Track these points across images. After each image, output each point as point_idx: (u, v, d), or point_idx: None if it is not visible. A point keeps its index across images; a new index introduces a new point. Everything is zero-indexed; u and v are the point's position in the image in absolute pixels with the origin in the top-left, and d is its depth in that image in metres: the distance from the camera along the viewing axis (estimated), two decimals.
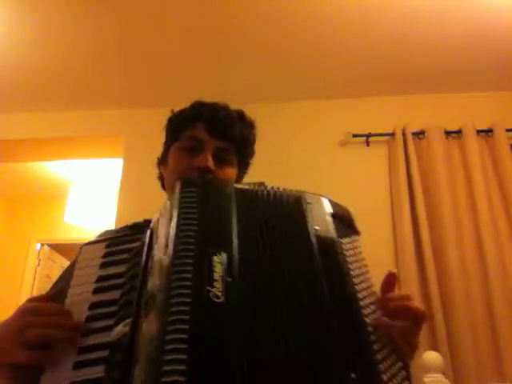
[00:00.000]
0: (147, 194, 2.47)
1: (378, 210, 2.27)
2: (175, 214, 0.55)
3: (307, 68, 2.35)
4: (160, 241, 0.57)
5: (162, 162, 0.97)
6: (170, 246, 0.51)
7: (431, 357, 1.62)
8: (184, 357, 0.42)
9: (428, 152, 2.32)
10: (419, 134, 2.37)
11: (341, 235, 0.62)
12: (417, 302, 2.08)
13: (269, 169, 2.47)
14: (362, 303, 0.57)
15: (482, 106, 2.44)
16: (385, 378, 0.51)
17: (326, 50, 2.22)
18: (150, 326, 0.48)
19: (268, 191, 0.64)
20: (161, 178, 0.98)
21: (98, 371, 0.51)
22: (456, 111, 2.44)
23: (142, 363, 0.46)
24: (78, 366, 0.53)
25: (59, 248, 4.14)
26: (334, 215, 0.64)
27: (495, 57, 2.24)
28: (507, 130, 2.31)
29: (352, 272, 0.59)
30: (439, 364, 1.59)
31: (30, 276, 3.84)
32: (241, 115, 0.95)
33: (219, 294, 0.47)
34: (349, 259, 0.60)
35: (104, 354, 0.53)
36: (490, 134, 2.34)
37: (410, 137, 2.34)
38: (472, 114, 2.40)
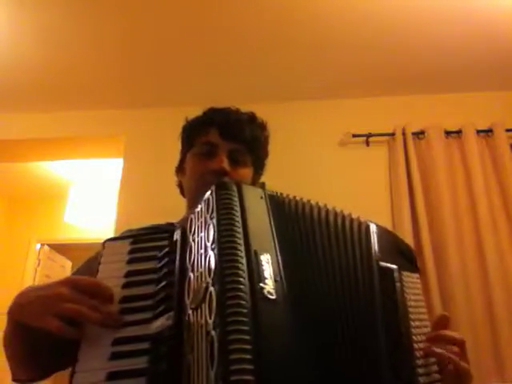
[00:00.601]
0: (147, 194, 2.49)
1: (378, 210, 2.27)
2: (215, 214, 0.56)
3: (307, 68, 2.35)
4: (200, 239, 0.57)
5: (180, 169, 1.01)
6: (216, 243, 0.52)
7: None
8: (249, 347, 0.43)
9: (428, 152, 2.32)
10: (419, 134, 2.38)
11: (401, 268, 0.63)
12: None
13: (268, 169, 2.47)
14: (413, 330, 0.58)
15: (482, 106, 2.44)
16: None
17: (325, 50, 2.22)
18: (202, 319, 0.49)
19: (325, 208, 0.65)
20: (180, 185, 1.02)
21: (138, 362, 0.52)
22: (456, 111, 2.44)
23: (198, 355, 0.47)
24: (116, 356, 0.53)
25: (59, 248, 4.15)
26: (397, 248, 0.65)
27: (495, 57, 2.24)
28: (507, 130, 2.31)
29: (408, 302, 0.60)
30: None
31: (30, 276, 3.85)
32: (252, 117, 0.98)
33: (272, 291, 0.48)
34: (406, 290, 0.61)
35: (143, 346, 0.53)
36: (489, 134, 2.34)
37: (410, 137, 2.34)
38: (472, 114, 2.41)
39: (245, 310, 0.45)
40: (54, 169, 3.61)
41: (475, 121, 2.35)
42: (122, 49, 2.23)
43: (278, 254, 0.54)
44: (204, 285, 0.51)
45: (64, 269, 4.16)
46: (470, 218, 2.17)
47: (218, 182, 0.62)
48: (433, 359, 0.57)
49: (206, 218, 0.58)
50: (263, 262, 0.51)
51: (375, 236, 0.63)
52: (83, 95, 2.57)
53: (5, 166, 3.43)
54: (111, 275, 0.63)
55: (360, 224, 0.64)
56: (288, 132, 2.50)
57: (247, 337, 0.43)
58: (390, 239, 0.66)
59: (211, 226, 0.55)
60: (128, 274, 0.63)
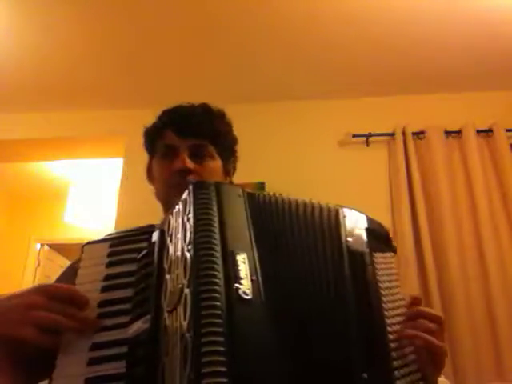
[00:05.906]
0: (147, 194, 2.48)
1: (378, 210, 2.26)
2: (192, 214, 0.55)
3: (307, 68, 2.35)
4: (177, 240, 0.57)
5: (150, 176, 1.02)
6: (192, 244, 0.52)
7: None
8: (222, 349, 0.42)
9: (428, 152, 2.32)
10: (419, 134, 2.38)
11: (374, 250, 0.63)
12: None
13: (269, 168, 2.47)
14: (386, 313, 0.58)
15: (482, 106, 2.44)
16: (398, 383, 0.52)
17: (325, 50, 2.22)
18: (177, 321, 0.48)
19: (293, 200, 0.65)
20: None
21: (116, 367, 0.51)
22: (456, 111, 2.44)
23: (173, 358, 0.46)
24: (93, 362, 0.52)
25: (59, 248, 4.14)
26: (369, 230, 0.65)
27: (495, 57, 2.24)
28: (507, 130, 2.32)
29: (380, 284, 0.60)
30: None
31: (30, 276, 3.84)
32: (206, 109, 0.97)
33: (247, 291, 0.48)
34: (378, 272, 0.61)
35: (121, 350, 0.53)
36: (489, 134, 2.34)
37: (410, 137, 2.35)
38: (472, 114, 2.41)
39: (219, 312, 0.45)
40: (54, 169, 3.61)
41: (475, 121, 2.35)
42: (121, 49, 2.23)
43: (255, 252, 0.54)
44: (179, 286, 0.50)
45: (64, 268, 4.15)
46: (470, 217, 2.17)
47: (196, 181, 0.62)
48: (406, 341, 0.57)
49: (183, 219, 0.58)
50: (239, 262, 0.50)
51: (345, 219, 0.63)
52: (83, 95, 2.57)
53: (5, 166, 3.43)
54: (90, 279, 0.62)
55: (329, 211, 0.64)
56: (288, 132, 2.50)
57: (221, 339, 0.43)
58: (360, 221, 0.66)
59: (188, 227, 0.55)
60: (107, 278, 0.63)
